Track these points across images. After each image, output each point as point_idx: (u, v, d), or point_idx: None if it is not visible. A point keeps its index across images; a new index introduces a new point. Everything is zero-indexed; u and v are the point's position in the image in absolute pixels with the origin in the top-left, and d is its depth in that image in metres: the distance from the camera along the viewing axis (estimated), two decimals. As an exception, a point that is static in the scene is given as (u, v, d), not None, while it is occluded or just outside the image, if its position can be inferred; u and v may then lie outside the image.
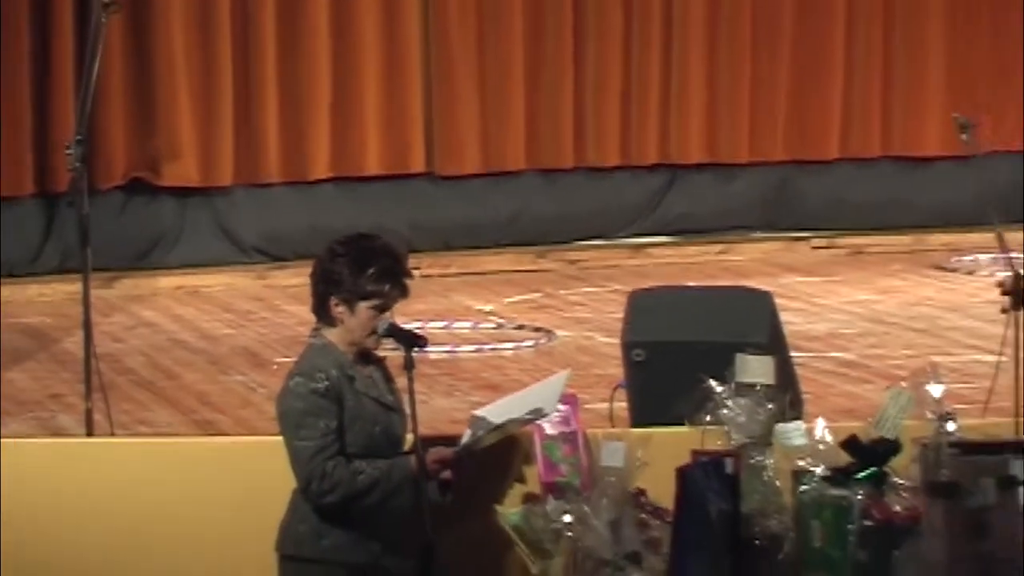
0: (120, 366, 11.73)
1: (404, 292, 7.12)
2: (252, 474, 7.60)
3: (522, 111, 15.51)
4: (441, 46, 15.38)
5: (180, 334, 13.10)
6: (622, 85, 15.64)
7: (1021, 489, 6.56)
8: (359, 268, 7.07)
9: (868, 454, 6.65)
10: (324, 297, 7.11)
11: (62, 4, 14.48)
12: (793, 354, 9.50)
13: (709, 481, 6.50)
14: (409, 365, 7.05)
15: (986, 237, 11.69)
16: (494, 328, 13.03)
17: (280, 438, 6.95)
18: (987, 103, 15.67)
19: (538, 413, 7.22)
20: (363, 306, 7.07)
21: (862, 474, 6.60)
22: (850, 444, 6.68)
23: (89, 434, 9.67)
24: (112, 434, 9.74)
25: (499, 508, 7.33)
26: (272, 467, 7.08)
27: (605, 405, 9.22)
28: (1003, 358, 8.99)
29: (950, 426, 6.77)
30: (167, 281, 14.53)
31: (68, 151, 10.15)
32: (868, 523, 6.50)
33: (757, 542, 6.53)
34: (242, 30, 15.01)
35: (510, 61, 15.49)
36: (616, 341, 9.75)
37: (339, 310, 7.07)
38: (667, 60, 15.71)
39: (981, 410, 8.88)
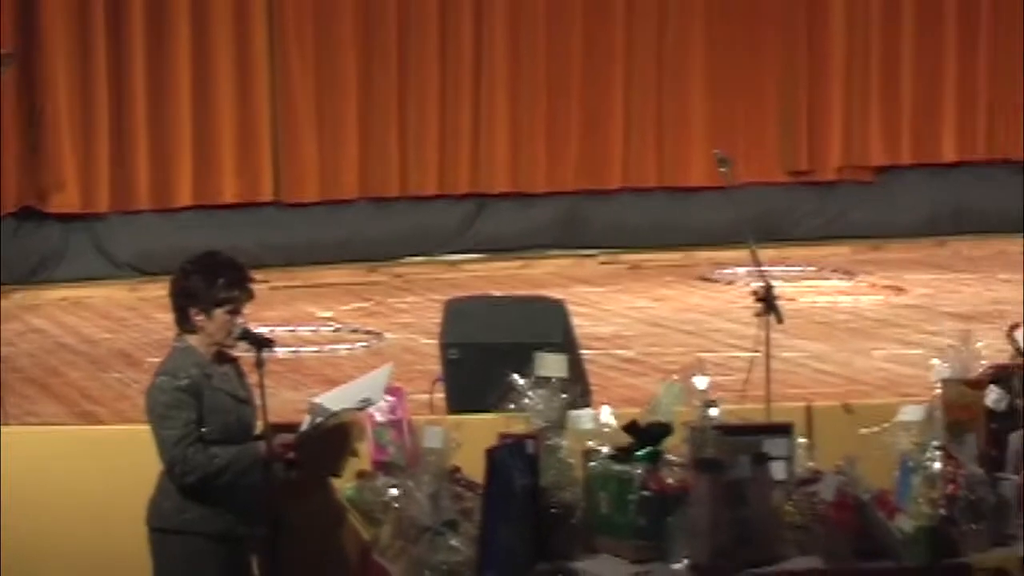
0: (12, 365, 11.60)
1: (250, 295, 7.16)
2: (126, 458, 7.53)
3: (355, 146, 15.46)
4: (284, 89, 15.30)
5: (64, 338, 12.98)
6: (439, 123, 15.60)
7: (771, 463, 6.59)
8: (210, 280, 7.09)
9: (646, 436, 6.66)
10: (184, 308, 7.11)
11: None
12: (583, 352, 9.53)
13: (513, 460, 6.48)
14: (260, 364, 7.04)
15: (742, 254, 11.73)
16: (332, 331, 12.97)
17: (149, 427, 6.89)
18: (744, 140, 15.78)
19: (367, 402, 7.24)
20: (218, 312, 7.07)
21: (641, 452, 6.61)
22: (630, 427, 6.69)
23: (-2, 424, 9.60)
24: (6, 423, 9.65)
25: (337, 483, 7.30)
26: (143, 452, 7.01)
27: (426, 396, 9.18)
28: (756, 354, 9.05)
29: (713, 412, 6.79)
30: (53, 293, 14.39)
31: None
32: (646, 493, 6.50)
33: (554, 510, 6.51)
34: (116, 76, 14.87)
35: (345, 102, 15.43)
36: (435, 342, 9.75)
37: (198, 318, 7.06)
38: (476, 101, 15.66)
39: (739, 398, 8.91)
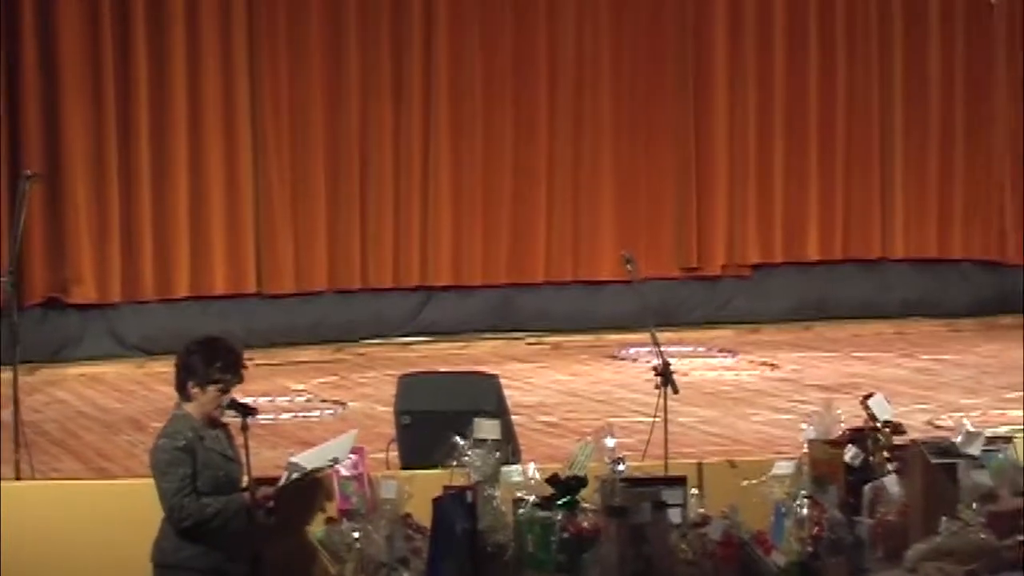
0: (38, 429, 11.54)
1: (240, 378, 7.17)
2: (135, 506, 7.50)
3: (324, 246, 15.44)
4: (266, 200, 15.28)
5: (82, 407, 12.91)
6: (393, 227, 15.59)
7: (668, 510, 6.59)
8: (209, 361, 7.09)
9: (565, 487, 6.66)
10: (184, 381, 7.13)
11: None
12: (513, 417, 9.50)
13: (455, 507, 6.47)
14: (244, 428, 7.06)
15: (644, 336, 11.73)
16: (305, 401, 12.93)
17: (152, 481, 6.88)
18: (645, 242, 15.78)
19: (335, 460, 7.24)
20: (211, 388, 7.09)
21: (561, 501, 6.60)
22: (552, 480, 6.69)
23: (17, 478, 9.53)
24: (33, 478, 9.60)
25: (309, 527, 7.28)
26: (148, 501, 7.00)
27: (383, 455, 9.16)
28: (656, 419, 9.04)
29: (620, 467, 6.80)
30: (73, 370, 14.32)
31: (3, 279, 10.08)
32: (565, 535, 6.50)
33: (489, 549, 6.51)
34: (125, 191, 14.83)
35: (315, 210, 15.41)
36: (390, 410, 9.71)
37: (194, 391, 7.08)
38: (424, 209, 15.66)
39: (641, 455, 8.88)
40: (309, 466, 7.28)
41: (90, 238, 14.78)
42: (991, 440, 7.35)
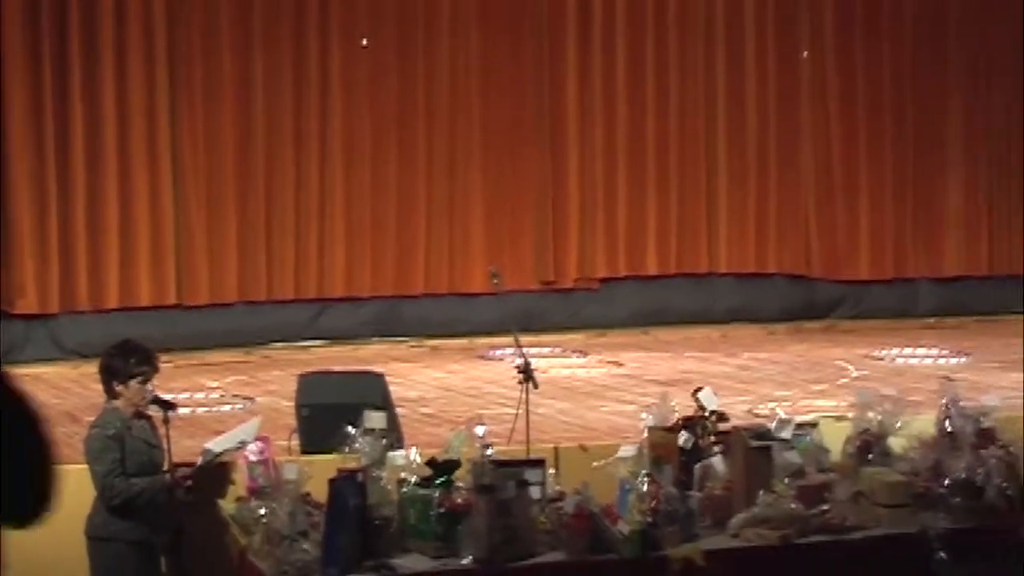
0: (-12, 422, 11.37)
1: (155, 369, 7.16)
2: (71, 488, 7.42)
3: (235, 263, 15.36)
4: (185, 221, 15.19)
5: (25, 402, 12.75)
6: (294, 246, 15.54)
7: (529, 487, 6.61)
8: (125, 359, 7.07)
9: (441, 469, 6.66)
10: (108, 381, 7.10)
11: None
12: (397, 410, 9.49)
13: (348, 487, 6.46)
14: (166, 420, 7.03)
15: (509, 340, 11.78)
16: (218, 397, 12.84)
17: (87, 466, 6.82)
18: (509, 258, 15.80)
19: (242, 443, 7.23)
20: (133, 383, 7.04)
21: (438, 481, 6.60)
22: (430, 463, 6.70)
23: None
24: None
25: (222, 503, 7.24)
26: (83, 484, 6.94)
27: (286, 443, 9.11)
28: (519, 411, 9.06)
29: (489, 452, 6.81)
30: (19, 371, 14.03)
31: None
32: (442, 510, 6.50)
33: (377, 522, 6.49)
34: (63, 214, 14.71)
35: (227, 232, 15.32)
36: (293, 404, 9.68)
37: (119, 388, 7.05)
38: (321, 229, 15.61)
39: (506, 441, 8.91)
40: (219, 450, 7.27)
41: (31, 256, 14.63)
42: (800, 426, 7.44)
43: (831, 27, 16.90)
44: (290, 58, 15.50)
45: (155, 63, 15.04)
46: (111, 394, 7.07)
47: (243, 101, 15.37)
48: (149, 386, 7.07)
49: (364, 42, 15.64)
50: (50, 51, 14.68)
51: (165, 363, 7.29)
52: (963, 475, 6.96)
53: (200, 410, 12.04)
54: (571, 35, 16.34)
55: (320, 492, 6.62)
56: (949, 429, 7.27)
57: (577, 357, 14.88)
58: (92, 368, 13.13)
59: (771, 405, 11.01)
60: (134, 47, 14.96)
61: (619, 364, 14.36)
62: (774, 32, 16.80)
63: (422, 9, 15.90)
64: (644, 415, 7.45)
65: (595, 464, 7.13)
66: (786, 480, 6.93)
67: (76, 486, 7.08)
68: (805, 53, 16.78)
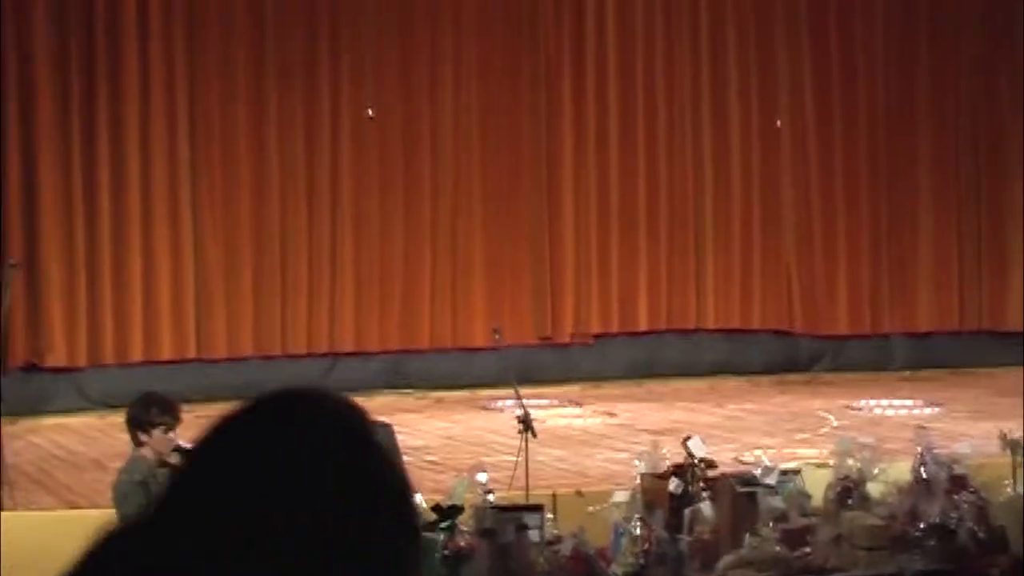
0: (19, 470, 11.36)
1: (178, 419, 7.15)
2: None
3: (250, 321, 15.39)
4: (204, 283, 15.23)
5: (55, 451, 12.77)
6: (307, 305, 15.62)
7: (529, 531, 6.59)
8: (149, 410, 7.06)
9: (445, 514, 6.64)
10: (134, 430, 7.09)
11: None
12: (404, 457, 9.47)
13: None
14: (187, 468, 6.98)
15: (509, 392, 11.77)
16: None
17: (113, 510, 6.82)
18: (509, 315, 15.81)
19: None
20: (156, 432, 7.03)
21: (442, 525, 6.58)
22: (435, 508, 6.67)
23: (1, 509, 9.41)
24: (14, 509, 9.48)
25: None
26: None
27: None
28: (518, 459, 9.05)
29: (490, 497, 6.79)
30: (48, 421, 14.19)
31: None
32: (446, 552, 6.47)
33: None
34: (90, 276, 14.80)
35: (243, 292, 15.37)
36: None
37: (143, 437, 7.04)
38: (332, 290, 15.67)
39: (507, 487, 8.90)
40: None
41: (60, 313, 14.70)
42: (783, 473, 7.42)
43: (810, 100, 16.99)
44: (302, 126, 15.59)
45: (176, 131, 15.15)
46: (137, 442, 7.09)
47: (258, 167, 15.45)
48: (172, 435, 7.08)
49: (369, 112, 15.71)
50: (79, 119, 14.79)
51: (185, 413, 7.29)
52: (937, 519, 6.95)
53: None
54: (567, 110, 16.43)
55: (332, 535, 6.61)
56: (924, 475, 7.26)
57: (573, 408, 14.87)
58: (117, 418, 13.15)
59: (756, 453, 10.98)
60: (157, 115, 15.07)
61: (613, 414, 14.35)
62: (757, 103, 16.89)
63: (425, 82, 15.98)
64: (637, 462, 7.43)
65: (590, 509, 7.12)
66: (771, 524, 6.91)
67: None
68: (778, 122, 16.86)
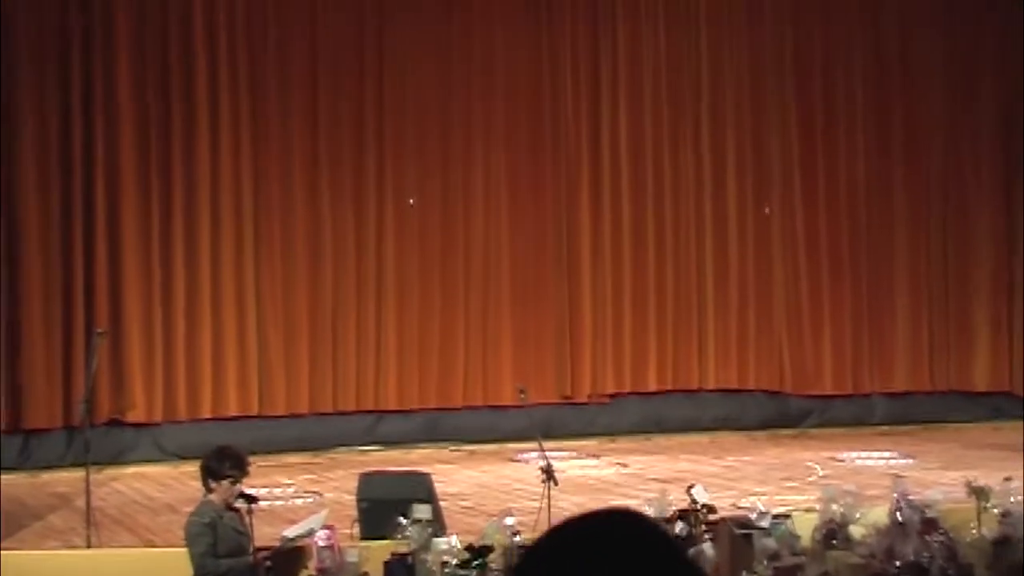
0: (104, 513, 11.35)
1: (246, 473, 7.14)
2: (173, 567, 7.42)
3: (306, 383, 15.38)
4: (264, 347, 15.23)
5: (135, 497, 12.74)
6: (356, 369, 15.57)
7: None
8: (221, 462, 7.06)
9: (477, 553, 6.63)
10: (206, 478, 7.08)
11: (77, 319, 14.23)
12: (441, 503, 9.44)
13: (400, 568, 6.44)
14: (249, 511, 7.00)
15: (533, 445, 11.75)
16: (292, 492, 12.81)
17: (185, 549, 6.81)
18: (533, 376, 15.78)
19: (313, 531, 7.20)
20: (225, 482, 7.04)
21: (474, 563, 6.57)
22: (468, 548, 6.67)
23: (88, 547, 9.42)
24: (100, 547, 9.48)
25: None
26: (182, 563, 6.92)
27: (349, 531, 9.07)
28: (542, 505, 9.01)
29: (517, 538, 6.78)
30: (128, 470, 14.19)
31: (80, 405, 10.03)
32: (478, 587, 6.45)
33: (424, 597, 6.45)
34: (165, 340, 14.81)
35: (299, 357, 15.37)
36: (354, 498, 9.64)
37: (214, 484, 7.03)
38: (377, 351, 15.64)
39: (532, 529, 8.82)
40: (294, 535, 7.26)
41: (140, 376, 14.73)
42: (776, 517, 7.40)
43: (799, 185, 17.01)
44: (352, 211, 15.68)
45: (242, 215, 15.23)
46: (208, 489, 7.09)
47: (313, 247, 15.51)
48: (238, 486, 7.09)
49: (411, 201, 15.79)
50: (159, 203, 14.88)
51: (251, 464, 7.28)
52: (912, 558, 6.92)
53: (277, 503, 12.01)
54: (584, 196, 16.47)
55: (377, 572, 6.60)
56: (900, 519, 7.23)
57: (591, 459, 14.80)
58: (189, 468, 13.22)
59: (752, 499, 10.94)
60: (225, 201, 15.14)
61: (625, 465, 14.28)
62: (751, 191, 16.91)
63: (460, 173, 16.06)
64: (646, 507, 7.42)
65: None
66: (765, 562, 6.89)
67: (177, 565, 7.09)
68: (767, 209, 16.88)
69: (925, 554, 6.93)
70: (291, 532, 7.31)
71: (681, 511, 7.38)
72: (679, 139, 16.75)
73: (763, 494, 11.73)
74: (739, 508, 10.58)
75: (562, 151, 16.42)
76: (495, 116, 16.19)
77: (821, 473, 13.36)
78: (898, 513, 7.29)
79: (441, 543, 6.76)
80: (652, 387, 16.63)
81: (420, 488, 9.18)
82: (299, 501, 12.27)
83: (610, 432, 16.25)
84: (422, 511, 6.88)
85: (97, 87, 14.63)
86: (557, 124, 16.41)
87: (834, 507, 7.38)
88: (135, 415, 14.71)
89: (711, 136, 16.80)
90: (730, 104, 16.83)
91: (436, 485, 9.71)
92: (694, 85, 16.75)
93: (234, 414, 15.07)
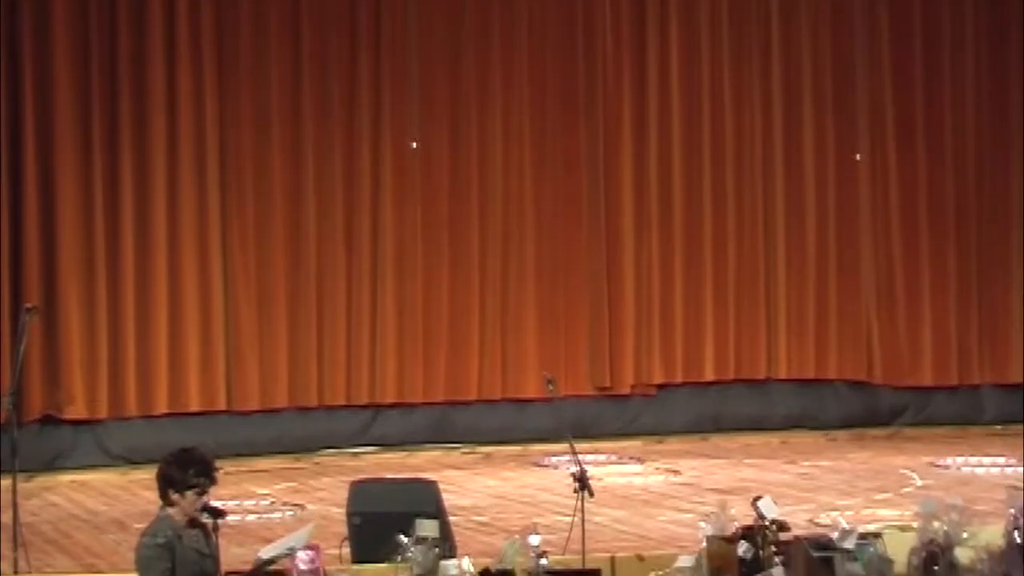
0: (35, 530, 11.42)
1: (214, 481, 7.13)
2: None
3: (285, 370, 15.42)
4: (235, 329, 15.30)
5: (73, 510, 12.80)
6: (345, 353, 15.60)
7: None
8: (184, 469, 7.06)
9: (495, 578, 6.64)
10: (164, 489, 7.09)
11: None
12: (450, 518, 9.47)
13: (400, 596, 6.44)
14: (215, 528, 7.01)
15: (564, 447, 11.76)
16: (268, 504, 12.85)
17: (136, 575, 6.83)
18: (563, 365, 15.80)
19: (292, 550, 7.23)
20: (189, 493, 7.04)
21: (492, 590, 6.59)
22: (484, 573, 6.68)
23: (15, 573, 9.45)
24: (30, 574, 9.51)
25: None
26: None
27: (337, 551, 9.09)
28: (574, 519, 9.01)
29: (543, 561, 6.79)
30: (65, 478, 14.24)
31: (5, 399, 10.08)
32: (497, 617, 6.47)
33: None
34: (113, 323, 14.84)
35: (277, 339, 15.41)
36: (343, 511, 9.67)
37: (175, 496, 7.04)
38: (373, 337, 15.67)
39: (562, 550, 8.87)
40: (270, 557, 7.28)
41: (80, 363, 14.75)
42: (863, 536, 7.39)
43: (892, 131, 16.91)
44: (341, 161, 15.62)
45: (206, 167, 15.20)
46: (166, 501, 7.07)
47: (293, 205, 15.49)
48: (205, 497, 7.08)
49: (414, 144, 15.76)
50: (102, 157, 14.88)
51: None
52: (1032, 587, 6.89)
53: (249, 517, 12.04)
54: (627, 149, 16.40)
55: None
56: (1018, 540, 7.21)
57: (634, 465, 14.81)
58: (141, 474, 13.25)
59: (833, 514, 10.94)
60: (184, 153, 15.12)
61: (677, 472, 14.29)
62: (833, 136, 16.83)
63: (475, 110, 16.01)
64: (702, 524, 7.41)
65: (652, 575, 7.10)
66: (849, 592, 6.87)
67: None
68: (858, 156, 16.81)
69: (1048, 582, 6.90)
70: (267, 553, 7.30)
71: (745, 528, 7.37)
72: (743, 79, 16.60)
73: (846, 508, 11.73)
74: (817, 525, 10.58)
75: (599, 87, 16.35)
76: (516, 44, 16.13)
77: (919, 483, 13.36)
78: (1016, 533, 7.26)
79: (451, 567, 6.76)
80: (709, 377, 16.62)
81: (425, 499, 9.18)
82: (276, 515, 12.30)
83: (657, 431, 16.26)
84: (427, 528, 6.88)
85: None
86: (593, 55, 16.33)
87: (935, 525, 7.35)
88: (74, 410, 14.74)
89: (782, 76, 16.66)
90: (806, 34, 16.71)
91: (444, 496, 9.73)
92: (763, 12, 16.66)
93: (196, 410, 15.09)
